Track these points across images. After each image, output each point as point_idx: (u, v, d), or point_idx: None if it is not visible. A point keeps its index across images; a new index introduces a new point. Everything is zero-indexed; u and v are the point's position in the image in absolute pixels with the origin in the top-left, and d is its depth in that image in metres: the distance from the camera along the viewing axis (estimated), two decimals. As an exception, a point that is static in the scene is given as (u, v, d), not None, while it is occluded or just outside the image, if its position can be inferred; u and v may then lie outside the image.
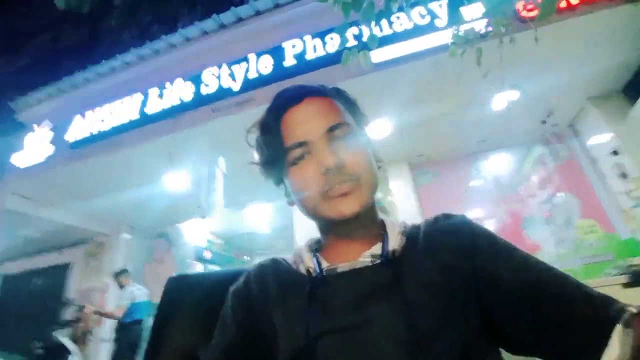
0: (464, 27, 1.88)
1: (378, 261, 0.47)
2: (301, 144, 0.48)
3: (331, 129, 0.48)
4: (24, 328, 4.24)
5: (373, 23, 1.66)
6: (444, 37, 2.27)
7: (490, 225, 3.28)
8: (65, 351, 3.16)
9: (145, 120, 3.09)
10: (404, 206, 3.50)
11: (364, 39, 1.75)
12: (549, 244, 3.05)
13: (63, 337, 3.29)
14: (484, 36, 1.99)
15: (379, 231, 0.51)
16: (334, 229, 0.51)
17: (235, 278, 0.55)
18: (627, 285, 1.78)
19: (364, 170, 0.47)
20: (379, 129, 2.99)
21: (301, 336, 0.42)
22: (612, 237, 2.94)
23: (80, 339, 3.95)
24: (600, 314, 0.35)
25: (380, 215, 0.54)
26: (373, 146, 0.54)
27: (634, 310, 0.33)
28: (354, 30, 2.61)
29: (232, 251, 5.72)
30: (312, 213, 0.50)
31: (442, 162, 3.70)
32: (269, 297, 0.49)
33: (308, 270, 0.49)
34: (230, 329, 0.49)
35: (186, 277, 0.69)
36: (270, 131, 0.51)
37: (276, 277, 0.51)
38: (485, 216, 3.34)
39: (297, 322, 0.44)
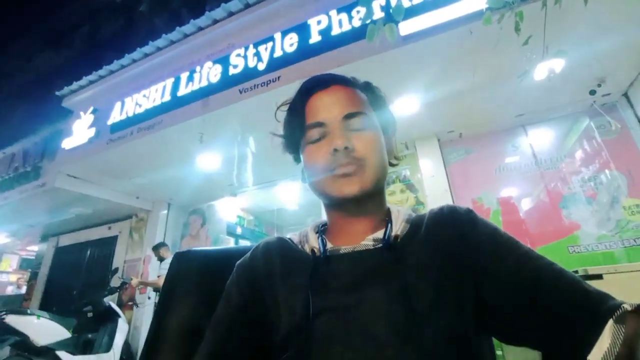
0: (501, -10, 1.73)
1: (380, 245, 0.49)
2: (319, 124, 0.52)
3: (349, 116, 0.51)
4: (76, 294, 4.72)
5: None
6: (479, 2, 2.10)
7: (526, 204, 3.12)
8: (114, 314, 3.40)
9: (177, 102, 3.21)
10: (432, 184, 3.41)
11: (391, 10, 1.66)
12: (590, 225, 2.84)
13: (111, 302, 3.56)
14: (524, -1, 1.82)
15: (385, 217, 0.53)
16: (337, 208, 0.54)
17: (240, 255, 0.58)
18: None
19: (371, 157, 0.50)
20: (406, 104, 2.87)
21: (301, 313, 0.45)
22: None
23: (126, 305, 4.39)
24: (595, 309, 0.36)
25: (388, 204, 0.56)
26: (391, 143, 0.58)
27: (628, 308, 0.34)
28: (381, 1, 2.49)
29: (262, 227, 5.95)
30: (319, 190, 0.53)
31: (476, 138, 3.52)
32: (274, 272, 0.51)
33: (313, 250, 0.52)
34: (234, 299, 0.52)
35: (192, 253, 0.67)
36: (296, 110, 0.56)
37: (282, 254, 0.54)
38: (520, 194, 3.17)
39: (298, 299, 0.46)
